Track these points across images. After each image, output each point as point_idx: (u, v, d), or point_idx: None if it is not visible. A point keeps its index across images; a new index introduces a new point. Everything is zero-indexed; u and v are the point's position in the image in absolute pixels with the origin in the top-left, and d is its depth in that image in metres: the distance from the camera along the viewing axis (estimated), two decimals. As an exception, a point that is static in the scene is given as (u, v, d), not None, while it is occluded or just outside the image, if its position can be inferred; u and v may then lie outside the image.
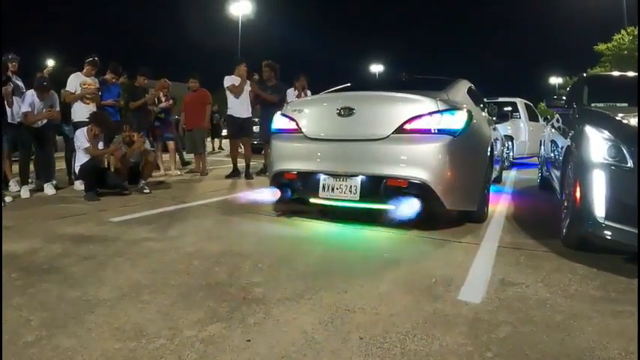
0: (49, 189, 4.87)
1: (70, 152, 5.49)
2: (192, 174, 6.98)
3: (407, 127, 3.06)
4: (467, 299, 2.01)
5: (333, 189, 3.16)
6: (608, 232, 2.39)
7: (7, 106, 4.49)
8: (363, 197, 3.09)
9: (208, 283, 2.18)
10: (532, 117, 9.40)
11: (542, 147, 5.75)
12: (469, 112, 3.19)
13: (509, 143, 8.60)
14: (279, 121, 3.63)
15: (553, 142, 4.39)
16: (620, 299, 2.02)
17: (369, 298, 2.00)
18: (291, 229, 3.39)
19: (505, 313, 1.86)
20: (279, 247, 2.90)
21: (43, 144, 5.00)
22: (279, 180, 3.48)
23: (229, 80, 6.35)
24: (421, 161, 2.97)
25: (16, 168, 5.17)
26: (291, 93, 6.98)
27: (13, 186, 4.99)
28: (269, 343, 1.59)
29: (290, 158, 3.42)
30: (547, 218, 3.60)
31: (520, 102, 9.19)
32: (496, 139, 4.75)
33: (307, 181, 3.30)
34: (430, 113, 3.04)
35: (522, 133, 8.92)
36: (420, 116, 3.04)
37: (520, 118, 8.95)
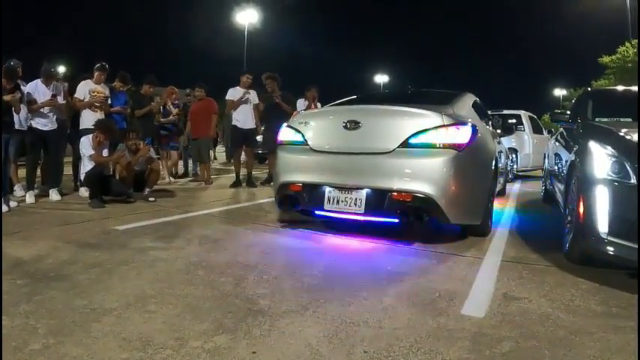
0: (54, 195, 4.90)
1: (77, 159, 5.54)
2: (197, 183, 7.02)
3: (412, 141, 3.08)
4: (470, 314, 2.01)
5: (338, 201, 3.18)
6: (611, 248, 2.39)
7: (14, 113, 4.54)
8: (368, 210, 3.10)
9: (214, 293, 2.20)
10: (536, 129, 9.43)
11: (546, 160, 5.77)
12: (474, 127, 3.22)
13: (513, 156, 8.61)
14: (285, 133, 3.66)
15: (557, 155, 4.40)
16: (621, 315, 2.03)
17: (373, 312, 2.01)
18: (295, 241, 3.41)
19: (508, 327, 1.87)
20: (284, 258, 2.92)
21: (52, 149, 5.03)
22: (284, 191, 3.50)
23: (230, 94, 6.52)
24: (426, 175, 2.99)
25: (22, 173, 5.21)
26: (301, 103, 7.03)
27: (18, 191, 5.02)
28: (274, 356, 1.61)
29: (296, 170, 3.45)
30: (550, 232, 3.61)
31: (524, 114, 9.22)
32: (500, 153, 4.76)
33: (312, 194, 3.32)
34: (436, 127, 3.06)
35: (526, 145, 8.93)
36: (425, 130, 3.07)
37: (524, 130, 8.97)
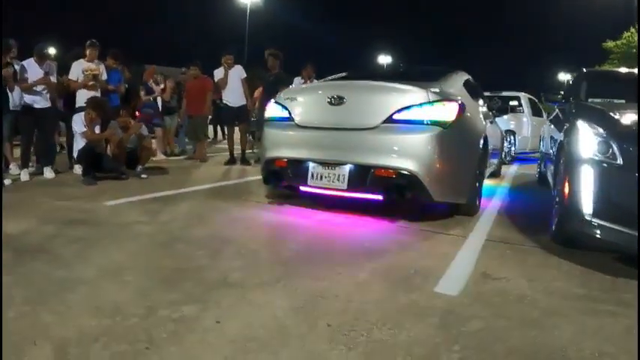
0: (48, 173, 4.92)
1: (72, 137, 5.53)
2: (192, 160, 7.02)
3: (396, 117, 3.04)
4: (444, 291, 2.00)
5: (321, 177, 3.16)
6: (595, 230, 2.35)
7: (8, 91, 4.52)
8: (351, 186, 3.09)
9: (190, 266, 2.22)
10: (535, 112, 9.25)
11: (542, 142, 5.71)
12: (461, 104, 3.16)
13: (512, 138, 8.50)
14: (272, 109, 3.63)
15: (551, 137, 4.35)
16: (601, 298, 2.00)
17: (345, 286, 2.01)
18: (279, 216, 3.41)
19: (480, 306, 1.85)
20: (265, 233, 2.93)
21: (43, 128, 5.03)
22: (270, 167, 3.50)
23: (217, 75, 6.50)
24: (409, 152, 2.96)
25: (17, 152, 5.23)
26: (297, 82, 6.93)
27: (13, 169, 5.05)
28: (239, 326, 1.62)
29: (281, 146, 3.43)
30: (540, 213, 3.56)
31: (524, 96, 9.03)
32: (492, 133, 4.70)
33: (297, 169, 3.30)
34: (420, 104, 3.01)
35: (525, 127, 8.78)
36: (409, 107, 3.02)
37: (523, 112, 8.82)
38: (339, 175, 3.10)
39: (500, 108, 5.32)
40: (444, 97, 3.10)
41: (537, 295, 1.99)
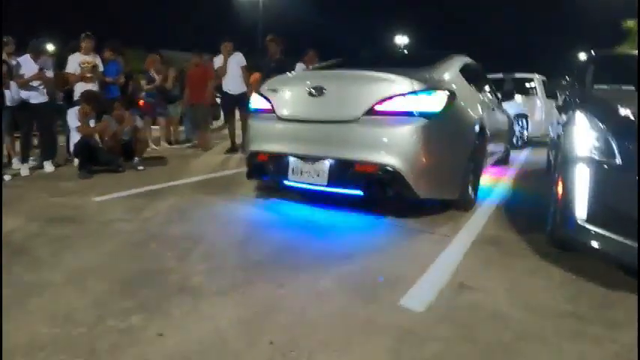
0: (48, 166, 5.00)
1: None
2: (194, 149, 7.01)
3: (378, 108, 2.86)
4: (409, 305, 1.82)
5: (301, 172, 3.05)
6: (589, 238, 2.10)
7: (4, 88, 4.58)
8: (332, 182, 2.95)
9: (155, 268, 2.19)
10: (550, 94, 8.77)
11: (551, 127, 5.41)
12: (450, 93, 2.96)
13: (524, 122, 8.10)
14: (255, 101, 3.51)
15: (558, 123, 4.09)
16: (589, 317, 1.76)
17: (303, 296, 1.91)
18: (262, 212, 3.34)
19: (446, 326, 1.66)
20: (241, 231, 2.84)
21: (42, 123, 5.09)
22: (252, 161, 3.41)
23: (217, 62, 6.46)
24: (392, 146, 2.80)
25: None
26: (299, 68, 6.77)
27: (15, 164, 5.14)
28: (179, 339, 1.57)
29: (263, 139, 3.33)
30: (543, 207, 3.30)
31: (537, 78, 8.48)
32: (497, 120, 4.46)
33: (278, 164, 3.20)
34: (404, 94, 2.82)
35: (538, 111, 8.27)
36: (392, 97, 2.83)
37: (537, 95, 8.33)
38: (319, 171, 2.98)
39: (507, 92, 5.03)
40: (431, 86, 2.90)
41: (515, 312, 1.76)
